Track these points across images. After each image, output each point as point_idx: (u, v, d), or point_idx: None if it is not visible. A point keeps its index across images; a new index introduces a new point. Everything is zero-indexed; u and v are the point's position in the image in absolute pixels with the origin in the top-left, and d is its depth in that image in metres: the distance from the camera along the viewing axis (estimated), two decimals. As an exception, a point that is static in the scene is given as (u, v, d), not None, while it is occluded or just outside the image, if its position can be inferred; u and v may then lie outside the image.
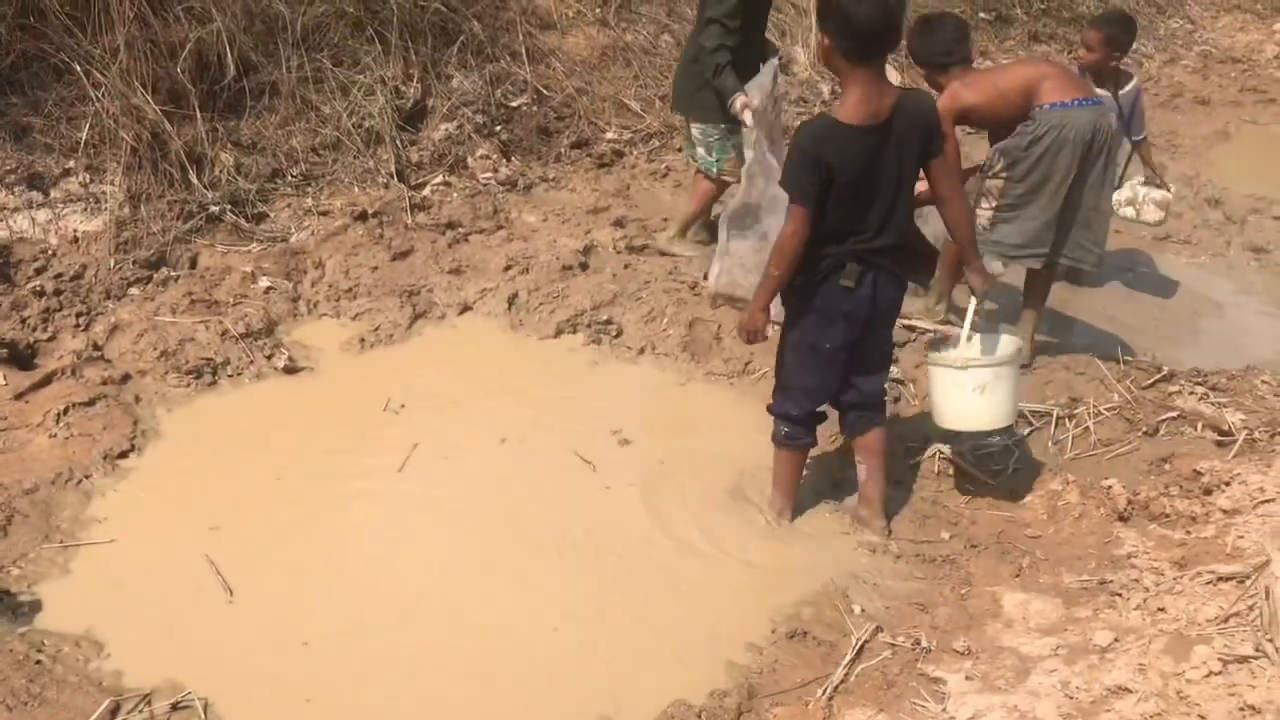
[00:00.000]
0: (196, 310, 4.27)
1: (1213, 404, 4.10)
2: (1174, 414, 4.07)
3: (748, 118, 4.37)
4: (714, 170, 4.89)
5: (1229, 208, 6.28)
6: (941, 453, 3.80)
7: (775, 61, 4.53)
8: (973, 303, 3.43)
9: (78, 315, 4.16)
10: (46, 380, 3.81)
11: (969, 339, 3.47)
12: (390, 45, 5.71)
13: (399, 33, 5.75)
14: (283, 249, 4.74)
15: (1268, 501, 3.38)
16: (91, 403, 3.71)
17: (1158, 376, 4.29)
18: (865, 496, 3.53)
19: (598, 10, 6.91)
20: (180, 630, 2.93)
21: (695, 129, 4.87)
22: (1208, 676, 2.57)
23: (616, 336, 4.45)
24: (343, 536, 3.32)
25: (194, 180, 4.84)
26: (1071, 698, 2.66)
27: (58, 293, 4.26)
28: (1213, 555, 3.14)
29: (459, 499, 3.52)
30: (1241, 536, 3.17)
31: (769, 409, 3.45)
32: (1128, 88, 4.91)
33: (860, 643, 2.98)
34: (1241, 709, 2.43)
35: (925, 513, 3.61)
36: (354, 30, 5.67)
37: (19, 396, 3.71)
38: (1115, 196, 4.74)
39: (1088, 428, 4.02)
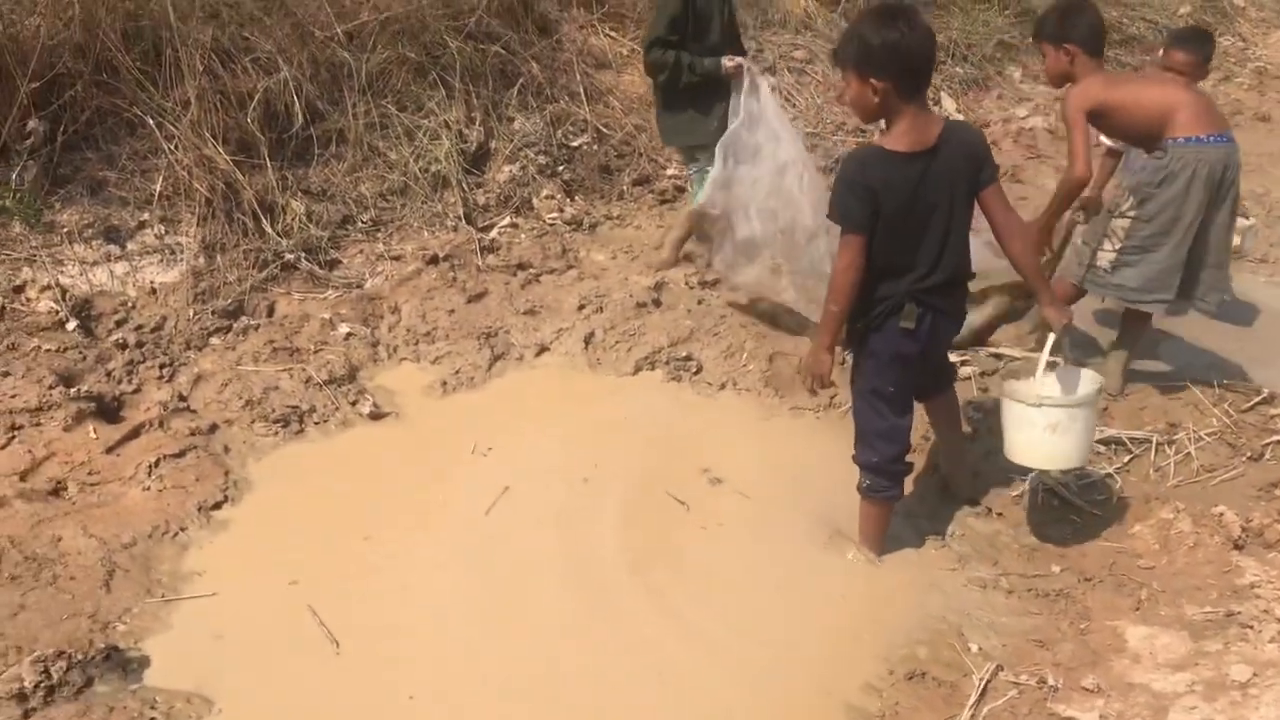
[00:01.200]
0: (279, 358, 4.27)
1: (1322, 418, 4.00)
2: (1278, 437, 3.97)
3: (742, 66, 4.58)
4: (697, 203, 4.87)
5: (1284, 212, 6.19)
6: (1044, 483, 3.72)
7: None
8: (1050, 338, 3.35)
9: (161, 367, 4.16)
10: (135, 433, 3.80)
11: (1046, 374, 3.39)
12: (453, 89, 5.73)
13: (460, 76, 5.77)
14: (359, 295, 4.75)
15: (1394, 523, 3.28)
16: (182, 454, 3.70)
17: (1258, 399, 4.20)
18: (949, 463, 3.68)
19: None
20: (287, 684, 2.89)
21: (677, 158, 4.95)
22: (1363, 710, 2.47)
23: (697, 373, 4.41)
24: (438, 584, 3.27)
25: (267, 229, 4.85)
26: (1215, 736, 2.57)
27: (139, 344, 4.27)
28: (1342, 582, 3.05)
29: (553, 545, 3.47)
30: (1380, 559, 3.07)
31: (854, 460, 3.40)
32: None
33: (983, 682, 2.91)
34: (1400, 745, 2.34)
35: (1032, 545, 3.53)
36: (416, 76, 5.71)
37: (110, 450, 3.71)
38: None
39: (1189, 454, 3.93)
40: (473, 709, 2.84)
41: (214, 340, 4.38)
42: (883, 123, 3.07)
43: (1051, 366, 3.38)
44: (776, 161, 4.61)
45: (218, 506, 3.53)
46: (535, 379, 4.39)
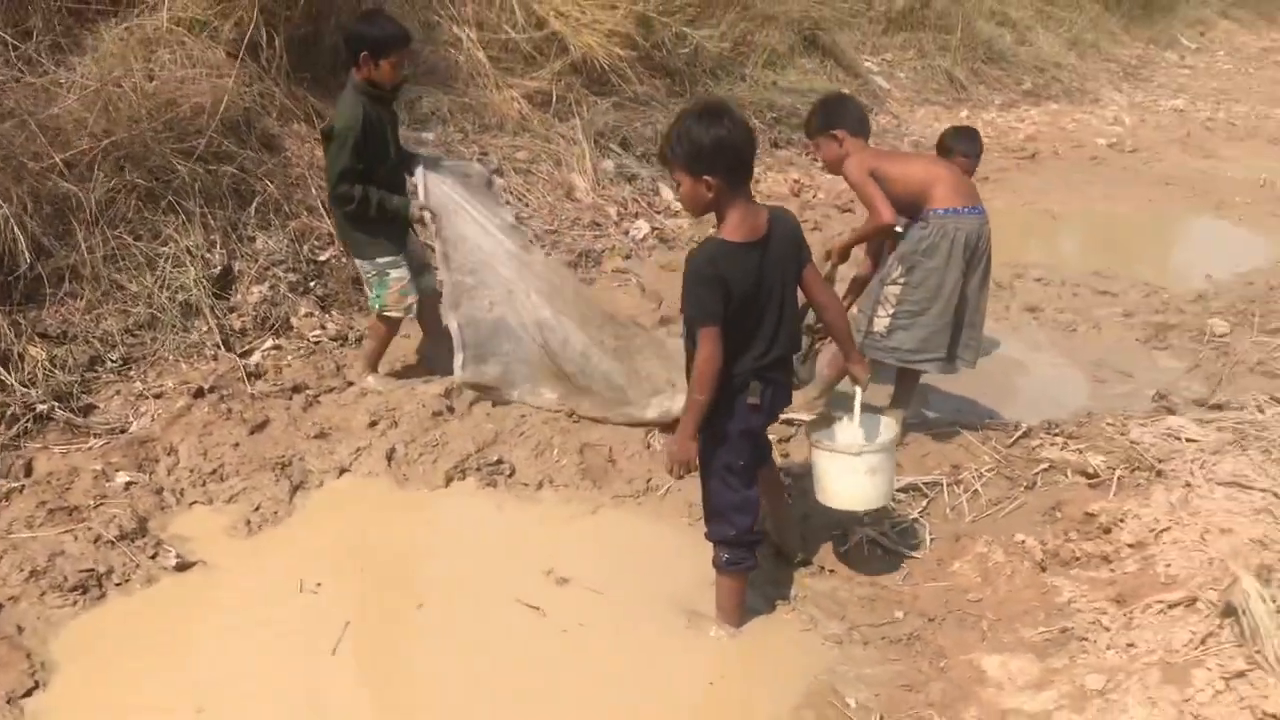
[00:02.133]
0: (56, 520, 3.86)
1: (1074, 451, 4.45)
2: (1045, 465, 4.40)
3: (428, 218, 4.66)
4: (378, 307, 4.87)
5: (996, 276, 6.88)
6: (867, 534, 3.94)
7: (420, 170, 4.71)
8: (858, 393, 3.61)
9: (-82, 545, 3.66)
10: (-95, 625, 3.32)
11: (854, 426, 3.63)
12: (189, 213, 5.45)
13: (195, 199, 5.50)
14: (127, 440, 4.38)
15: (1165, 530, 3.70)
16: (-30, 642, 3.27)
17: (1018, 434, 4.64)
18: (779, 529, 3.85)
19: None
20: None
21: (359, 265, 4.89)
22: (1216, 696, 2.78)
23: (510, 475, 4.36)
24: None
25: (9, 380, 4.40)
26: (1099, 743, 2.79)
27: (-123, 527, 3.75)
28: (1149, 588, 3.41)
29: (415, 674, 3.33)
30: (1168, 565, 3.45)
31: (707, 537, 3.49)
32: None
33: (877, 735, 3.03)
34: (1261, 718, 2.64)
35: (870, 595, 3.72)
36: (148, 202, 5.38)
37: (-120, 647, 3.22)
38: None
39: (976, 490, 4.29)
40: None
41: (-28, 509, 3.90)
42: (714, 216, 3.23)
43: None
44: (501, 279, 4.78)
45: (29, 694, 3.13)
46: (344, 504, 4.19)
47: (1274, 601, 2.91)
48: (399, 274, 4.75)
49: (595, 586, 3.73)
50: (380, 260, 4.73)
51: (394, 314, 4.86)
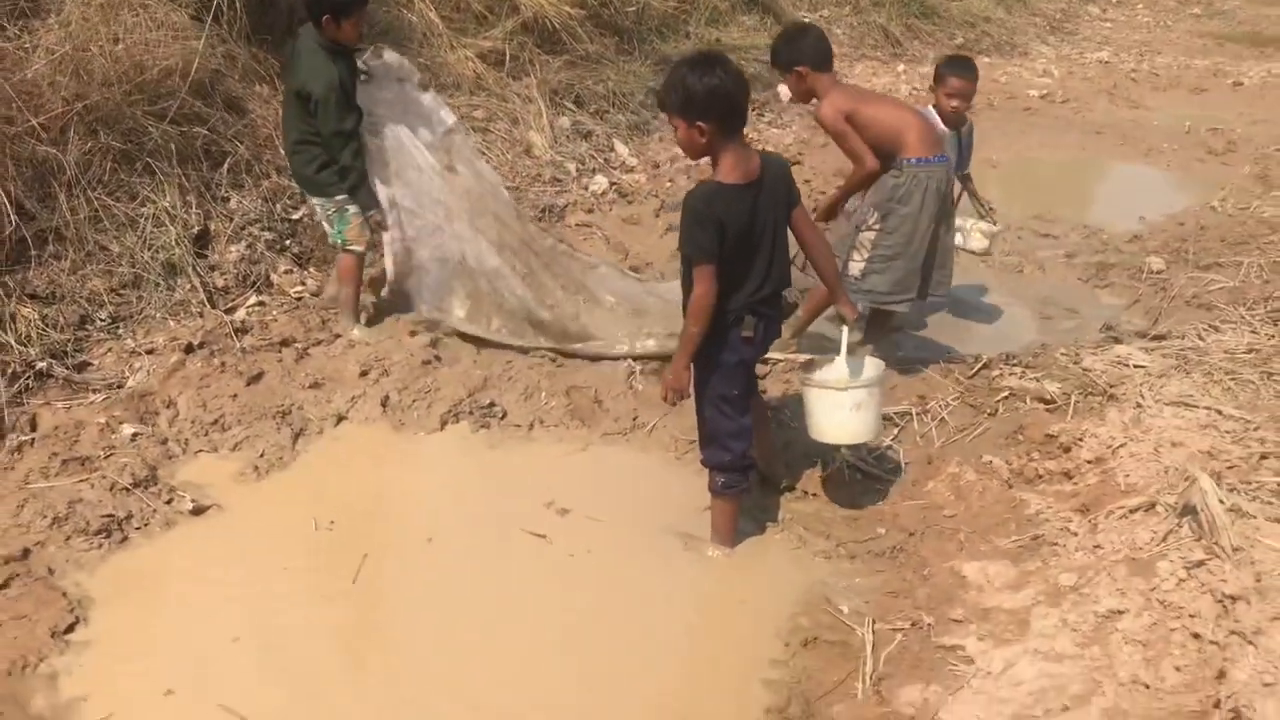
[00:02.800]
0: (70, 470, 3.98)
1: (1032, 379, 4.75)
2: (1005, 393, 4.69)
3: (384, 226, 5.00)
4: (340, 242, 5.12)
5: (945, 222, 7.19)
6: (846, 460, 4.20)
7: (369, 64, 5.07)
8: (845, 331, 3.85)
9: (-68, 500, 3.77)
10: (-66, 574, 3.44)
11: (841, 363, 3.88)
12: (166, 174, 5.52)
13: (169, 161, 5.57)
14: (128, 394, 4.48)
15: (1121, 446, 4.00)
16: (6, 584, 3.40)
17: (979, 366, 4.93)
18: (764, 456, 4.01)
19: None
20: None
21: (316, 204, 5.14)
22: (1180, 583, 3.07)
23: (502, 418, 4.55)
24: (326, 669, 3.24)
25: (7, 339, 4.48)
26: (1076, 630, 3.08)
27: (-111, 483, 3.84)
28: (1110, 497, 3.69)
29: (434, 600, 3.52)
30: (1127, 475, 3.74)
31: (703, 463, 3.73)
32: (966, 127, 5.34)
33: (871, 635, 3.29)
34: (1221, 600, 2.94)
35: (853, 515, 4.00)
36: (123, 163, 5.44)
37: (-88, 595, 3.35)
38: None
39: (943, 419, 4.57)
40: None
41: (-16, 462, 4.01)
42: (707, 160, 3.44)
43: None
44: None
45: (70, 629, 3.28)
46: (345, 448, 4.36)
47: (1226, 500, 3.22)
48: (355, 209, 4.99)
49: (594, 515, 3.95)
50: (338, 198, 4.97)
51: (356, 247, 5.09)
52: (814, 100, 4.62)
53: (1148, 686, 2.79)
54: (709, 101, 3.31)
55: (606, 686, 3.18)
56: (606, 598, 3.55)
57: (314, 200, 5.12)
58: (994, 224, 5.65)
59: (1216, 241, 6.74)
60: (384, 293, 5.28)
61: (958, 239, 5.30)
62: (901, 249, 4.60)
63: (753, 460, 3.74)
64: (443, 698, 3.08)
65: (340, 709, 3.05)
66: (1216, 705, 2.61)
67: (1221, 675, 2.67)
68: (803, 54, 4.57)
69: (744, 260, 3.42)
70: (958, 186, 5.26)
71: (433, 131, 5.27)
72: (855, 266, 4.67)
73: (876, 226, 4.60)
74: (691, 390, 3.58)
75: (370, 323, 5.22)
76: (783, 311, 3.79)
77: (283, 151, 6.18)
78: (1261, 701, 2.52)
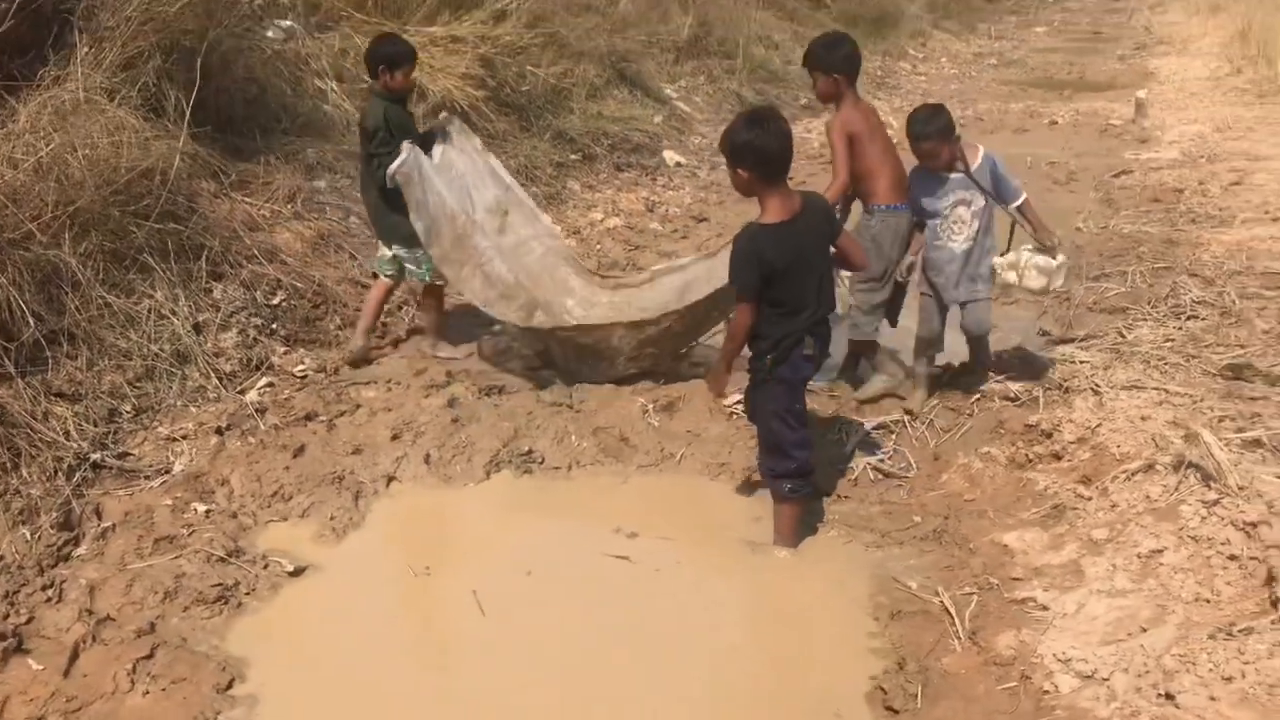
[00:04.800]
0: (160, 549, 4.14)
1: (996, 382, 5.38)
2: (977, 395, 5.32)
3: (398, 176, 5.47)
4: (429, 278, 5.88)
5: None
6: (868, 463, 4.73)
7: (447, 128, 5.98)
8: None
9: (43, 589, 3.88)
10: (74, 653, 3.58)
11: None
12: (152, 270, 5.68)
13: (154, 257, 5.74)
14: (182, 477, 4.64)
15: (1099, 425, 4.65)
16: (151, 654, 3.57)
17: (948, 376, 5.54)
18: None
19: (287, 207, 7.18)
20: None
21: (400, 253, 5.82)
22: (1204, 520, 3.68)
23: (541, 463, 4.90)
24: (486, 683, 3.56)
25: (56, 436, 4.59)
26: (1126, 570, 3.66)
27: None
28: (1109, 465, 4.32)
29: (554, 622, 3.84)
30: (1119, 446, 4.38)
31: (768, 474, 4.20)
32: (978, 161, 5.05)
33: (951, 600, 3.79)
34: (1243, 528, 3.56)
35: (887, 510, 4.51)
36: (115, 262, 5.59)
37: (66, 675, 3.48)
38: (998, 261, 5.07)
39: (931, 421, 5.15)
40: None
41: (75, 552, 4.13)
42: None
43: None
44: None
45: (230, 686, 3.47)
46: (407, 504, 4.63)
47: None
48: (424, 253, 5.69)
49: (663, 535, 4.34)
50: (414, 246, 5.68)
51: (440, 280, 5.85)
52: (833, 104, 5.17)
53: (1208, 601, 3.37)
54: (746, 152, 3.86)
55: (739, 669, 3.59)
56: (703, 602, 3.95)
57: (397, 250, 5.79)
58: (1054, 257, 5.00)
59: (1096, 256, 7.61)
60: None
61: (1011, 276, 5.02)
62: (876, 285, 5.20)
63: (813, 466, 4.22)
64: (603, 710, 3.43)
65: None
66: (1274, 604, 3.20)
67: (1271, 580, 3.27)
68: (842, 63, 5.09)
69: (797, 288, 3.92)
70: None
71: (495, 188, 6.01)
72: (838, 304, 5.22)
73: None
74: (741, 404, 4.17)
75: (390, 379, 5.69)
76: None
77: (247, 241, 6.45)
78: (1315, 592, 3.12)
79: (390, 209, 5.65)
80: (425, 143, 5.75)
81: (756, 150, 3.86)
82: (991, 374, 5.43)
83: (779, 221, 3.91)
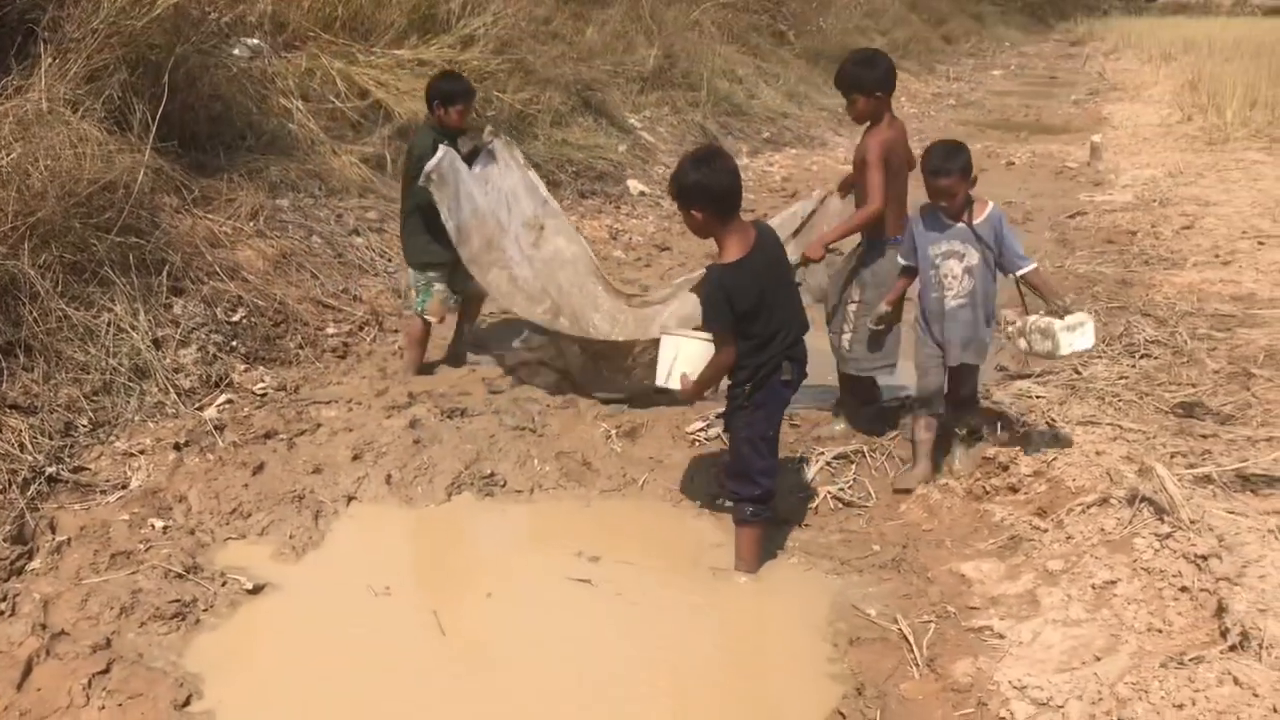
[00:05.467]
0: (117, 564, 4.10)
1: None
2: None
3: (434, 175, 5.54)
4: (419, 309, 5.91)
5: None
6: (829, 492, 4.78)
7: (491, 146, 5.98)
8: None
9: (-7, 603, 3.82)
10: (28, 667, 3.52)
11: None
12: (111, 283, 5.64)
13: (114, 270, 5.70)
14: (139, 492, 4.59)
15: (1054, 459, 4.73)
16: (107, 669, 3.52)
17: (908, 409, 5.60)
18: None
19: (250, 224, 7.16)
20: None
21: (411, 275, 5.94)
22: (1157, 553, 3.76)
23: (503, 486, 4.90)
24: (453, 706, 3.54)
25: (11, 449, 4.53)
26: (1081, 600, 3.72)
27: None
28: (1064, 498, 4.40)
29: (515, 644, 3.84)
30: (1074, 480, 4.46)
31: (732, 497, 4.24)
32: (984, 215, 4.57)
33: (909, 628, 3.83)
34: (1194, 561, 3.63)
35: (845, 538, 4.55)
36: (74, 274, 5.54)
37: (19, 689, 3.43)
38: (1009, 330, 4.90)
39: (890, 452, 5.21)
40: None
41: (29, 565, 4.07)
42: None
43: None
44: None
45: (188, 703, 3.43)
46: (366, 524, 4.60)
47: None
48: (441, 287, 5.87)
49: (624, 559, 4.36)
50: (430, 274, 5.84)
51: (431, 319, 5.94)
52: (868, 124, 5.00)
53: (1160, 631, 3.43)
54: (697, 192, 3.91)
55: (699, 694, 3.61)
56: (664, 627, 3.96)
57: (411, 272, 5.94)
58: (1062, 316, 4.41)
59: (1051, 295, 7.73)
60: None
61: (1022, 344, 4.58)
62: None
63: (774, 491, 4.25)
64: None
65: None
66: (1223, 634, 3.27)
67: (1221, 611, 3.34)
68: (884, 79, 4.90)
69: (767, 316, 3.97)
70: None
71: (533, 202, 6.06)
72: (845, 339, 5.23)
73: (858, 299, 5.15)
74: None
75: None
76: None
77: (209, 257, 6.41)
78: (1264, 621, 3.19)
79: (419, 229, 5.79)
80: (468, 160, 5.82)
81: (706, 189, 3.90)
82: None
83: (740, 258, 3.95)
